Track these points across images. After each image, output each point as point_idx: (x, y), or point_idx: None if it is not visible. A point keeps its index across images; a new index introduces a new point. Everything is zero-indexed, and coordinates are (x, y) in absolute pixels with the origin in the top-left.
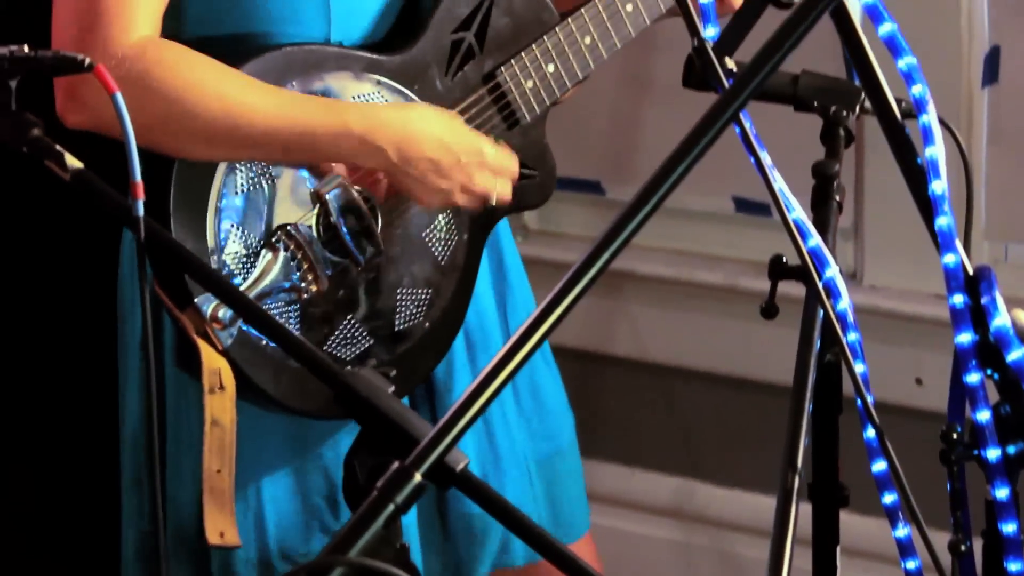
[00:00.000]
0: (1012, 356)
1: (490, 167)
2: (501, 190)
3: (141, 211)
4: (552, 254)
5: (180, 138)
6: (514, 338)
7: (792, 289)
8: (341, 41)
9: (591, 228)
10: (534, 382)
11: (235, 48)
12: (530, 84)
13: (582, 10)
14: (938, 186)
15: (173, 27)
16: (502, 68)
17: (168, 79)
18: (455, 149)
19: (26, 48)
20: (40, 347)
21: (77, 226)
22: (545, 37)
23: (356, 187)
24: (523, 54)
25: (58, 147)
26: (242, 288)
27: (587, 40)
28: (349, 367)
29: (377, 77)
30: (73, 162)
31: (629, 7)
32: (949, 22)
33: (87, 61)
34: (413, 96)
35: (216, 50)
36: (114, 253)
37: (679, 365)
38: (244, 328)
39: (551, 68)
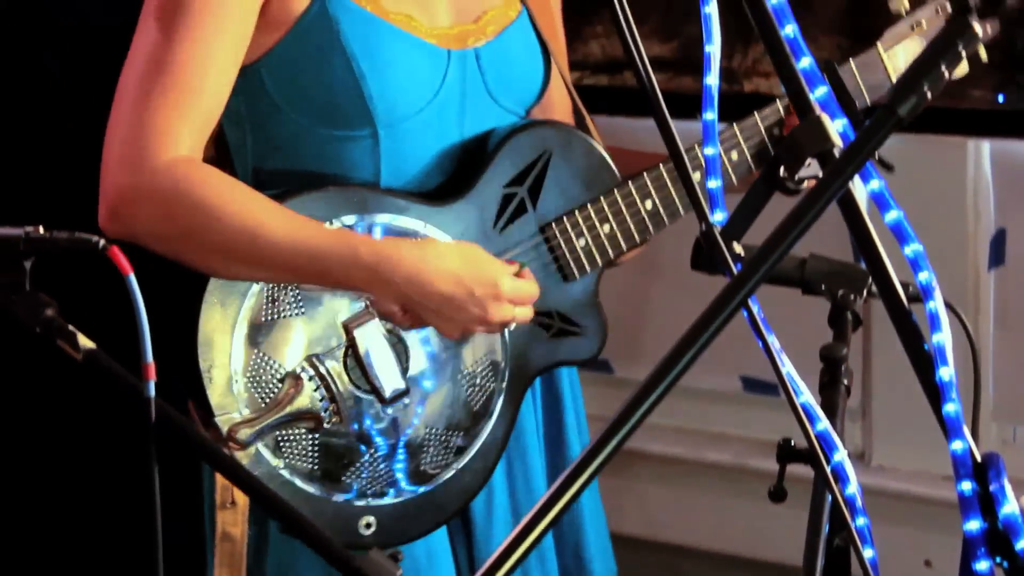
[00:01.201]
0: (1021, 544)
1: (507, 297)
2: (521, 316)
3: (152, 392)
4: None
5: (200, 251)
6: (520, 526)
7: (801, 468)
8: (391, 186)
9: (600, 407)
10: (577, 542)
11: (286, 183)
12: (582, 243)
13: (644, 174)
14: (945, 373)
15: (240, 163)
16: (553, 224)
17: (193, 194)
18: (469, 283)
19: (41, 229)
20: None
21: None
22: (602, 197)
23: (387, 323)
24: (576, 211)
25: (71, 327)
26: (264, 413)
27: (648, 204)
28: (364, 521)
29: (422, 222)
30: (85, 342)
31: (697, 175)
32: (956, 206)
33: (101, 243)
34: None
35: (269, 183)
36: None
37: (688, 544)
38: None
39: (606, 228)
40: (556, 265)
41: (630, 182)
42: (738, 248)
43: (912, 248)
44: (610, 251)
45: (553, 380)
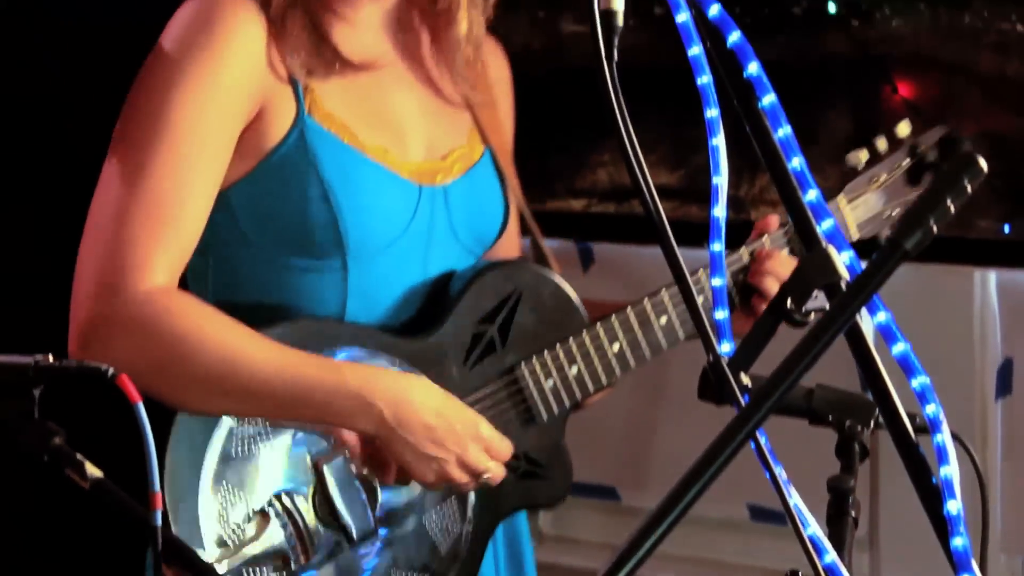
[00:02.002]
0: None
1: (485, 443)
2: (494, 471)
3: (159, 521)
4: (567, 560)
5: (178, 385)
6: None
7: None
8: (356, 320)
9: (607, 534)
10: None
11: (253, 316)
12: (550, 383)
13: (613, 316)
14: (953, 506)
15: (198, 290)
16: (522, 363)
17: (172, 324)
18: (451, 419)
19: (51, 357)
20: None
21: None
22: (571, 338)
23: (356, 462)
24: (546, 352)
25: (78, 456)
26: (231, 552)
27: (615, 347)
28: None
29: (392, 357)
30: (93, 471)
31: (663, 319)
32: (963, 335)
33: (110, 371)
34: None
35: (233, 315)
36: None
37: None
38: None
39: (574, 370)
40: (524, 406)
41: (599, 324)
42: (745, 379)
43: (919, 381)
44: (578, 393)
45: (513, 525)
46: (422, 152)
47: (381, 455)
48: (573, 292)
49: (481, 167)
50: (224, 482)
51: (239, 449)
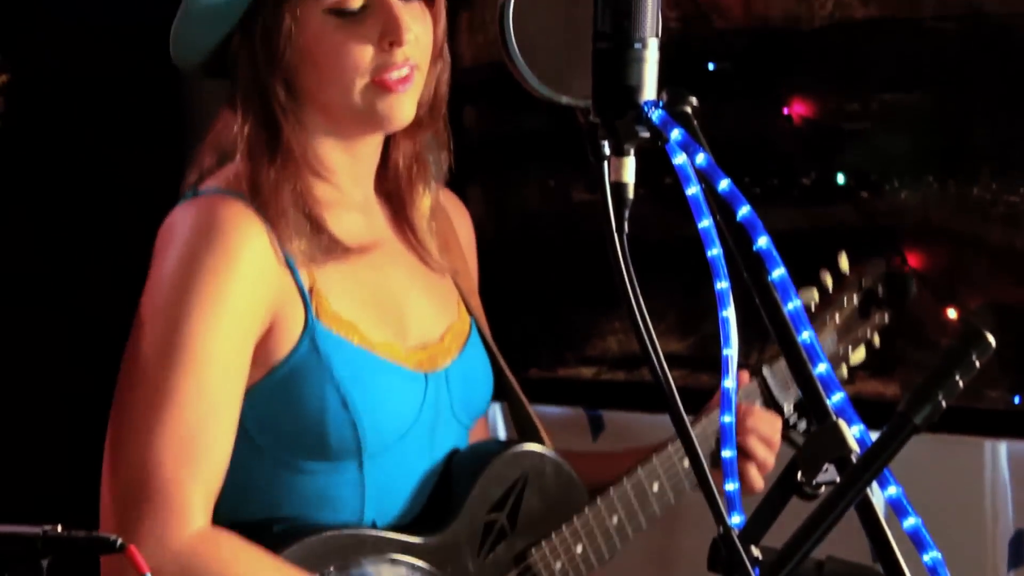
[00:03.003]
0: None
1: None
2: None
3: None
4: None
5: None
6: None
7: None
8: (375, 520)
9: None
10: None
11: (271, 529)
12: (559, 565)
13: (611, 489)
14: None
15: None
16: (533, 549)
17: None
18: None
19: (59, 528)
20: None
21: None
22: (575, 518)
23: None
24: (553, 535)
25: None
26: None
27: (615, 519)
28: None
29: (411, 560)
30: None
31: (656, 487)
32: (973, 506)
33: (119, 542)
34: None
35: (251, 536)
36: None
37: None
38: None
39: (579, 549)
40: None
41: (598, 499)
42: (756, 551)
43: (931, 556)
44: (584, 571)
45: None
46: (422, 337)
47: None
48: (571, 468)
49: (472, 342)
50: None
51: None
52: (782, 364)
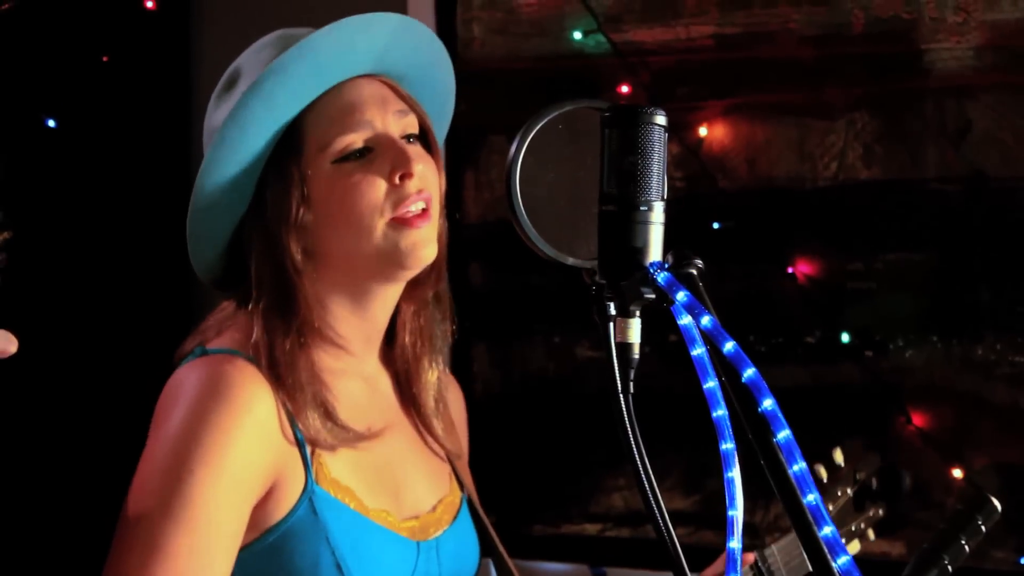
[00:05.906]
0: None
1: None
2: None
3: None
4: None
5: None
6: None
7: None
8: None
9: None
10: None
11: None
12: None
13: None
14: None
15: None
16: None
17: None
18: None
19: None
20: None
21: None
22: None
23: None
24: None
25: None
26: None
27: None
28: None
29: None
30: None
31: None
32: None
33: None
34: None
35: None
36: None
37: None
38: None
39: None
40: None
41: None
42: None
43: None
44: None
45: None
46: (416, 507)
47: None
48: None
49: (462, 516)
50: None
51: None
52: (781, 544)
